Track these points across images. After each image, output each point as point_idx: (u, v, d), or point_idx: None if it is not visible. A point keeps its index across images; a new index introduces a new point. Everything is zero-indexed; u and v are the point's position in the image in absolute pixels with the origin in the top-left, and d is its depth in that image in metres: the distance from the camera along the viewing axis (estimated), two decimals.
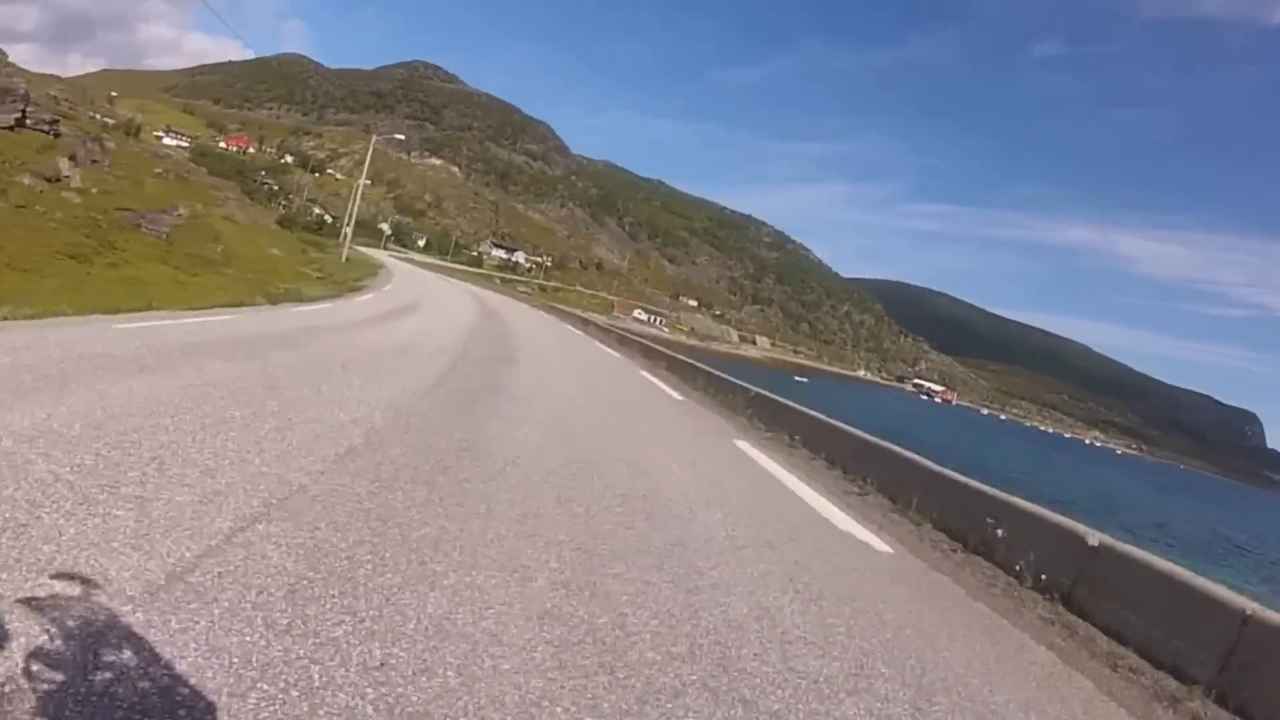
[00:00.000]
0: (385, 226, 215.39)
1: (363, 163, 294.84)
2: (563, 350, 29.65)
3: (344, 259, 63.74)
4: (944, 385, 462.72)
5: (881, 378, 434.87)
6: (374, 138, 76.25)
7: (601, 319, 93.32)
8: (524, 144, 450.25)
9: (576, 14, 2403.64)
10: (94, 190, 34.90)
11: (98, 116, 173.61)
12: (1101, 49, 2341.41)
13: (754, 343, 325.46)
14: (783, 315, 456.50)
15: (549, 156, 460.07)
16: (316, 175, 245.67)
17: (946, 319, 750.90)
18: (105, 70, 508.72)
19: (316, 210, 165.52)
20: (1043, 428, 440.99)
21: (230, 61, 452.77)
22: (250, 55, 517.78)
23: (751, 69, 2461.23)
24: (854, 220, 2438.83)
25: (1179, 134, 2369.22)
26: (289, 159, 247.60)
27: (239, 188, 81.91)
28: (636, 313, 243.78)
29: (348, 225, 78.24)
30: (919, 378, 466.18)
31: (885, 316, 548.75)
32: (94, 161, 46.20)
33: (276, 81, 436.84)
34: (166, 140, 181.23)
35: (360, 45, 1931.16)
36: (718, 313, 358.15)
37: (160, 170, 60.67)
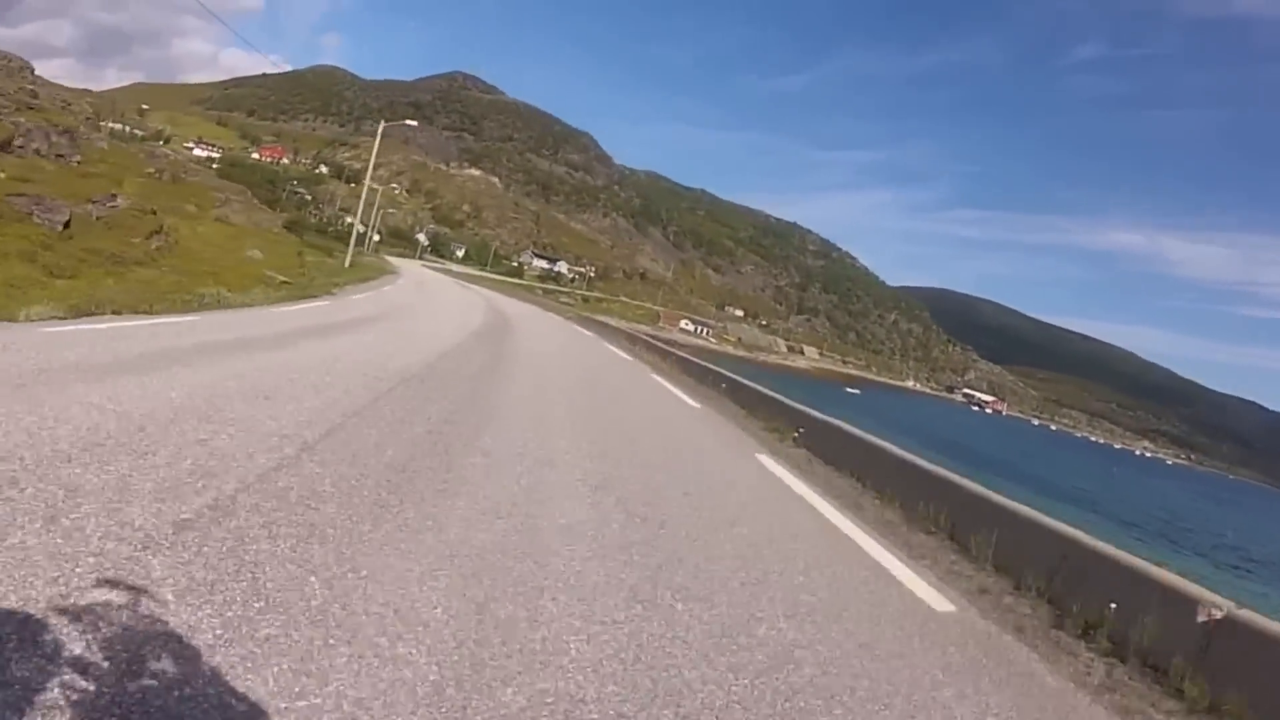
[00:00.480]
0: (422, 237, 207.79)
1: (401, 173, 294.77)
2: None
3: (347, 263, 56.87)
4: (993, 395, 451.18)
5: (930, 388, 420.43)
6: (381, 125, 66.89)
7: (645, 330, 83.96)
8: (565, 154, 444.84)
9: (617, 25, 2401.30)
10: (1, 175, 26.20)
11: (126, 128, 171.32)
12: (1142, 50, 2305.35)
13: (802, 353, 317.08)
14: (829, 325, 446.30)
15: (591, 166, 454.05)
16: (352, 185, 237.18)
17: (992, 326, 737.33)
18: (138, 84, 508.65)
19: (349, 219, 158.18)
20: (1093, 438, 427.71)
21: (264, 75, 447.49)
22: (285, 68, 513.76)
23: (793, 77, 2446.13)
24: (896, 227, 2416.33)
25: (1223, 134, 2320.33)
26: (324, 169, 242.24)
27: (249, 193, 73.92)
28: (683, 323, 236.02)
29: (360, 225, 70.27)
30: (968, 387, 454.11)
31: (933, 325, 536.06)
32: (59, 156, 38.69)
33: (312, 94, 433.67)
34: (197, 151, 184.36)
35: (398, 57, 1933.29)
36: (764, 323, 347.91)
37: (153, 170, 53.43)
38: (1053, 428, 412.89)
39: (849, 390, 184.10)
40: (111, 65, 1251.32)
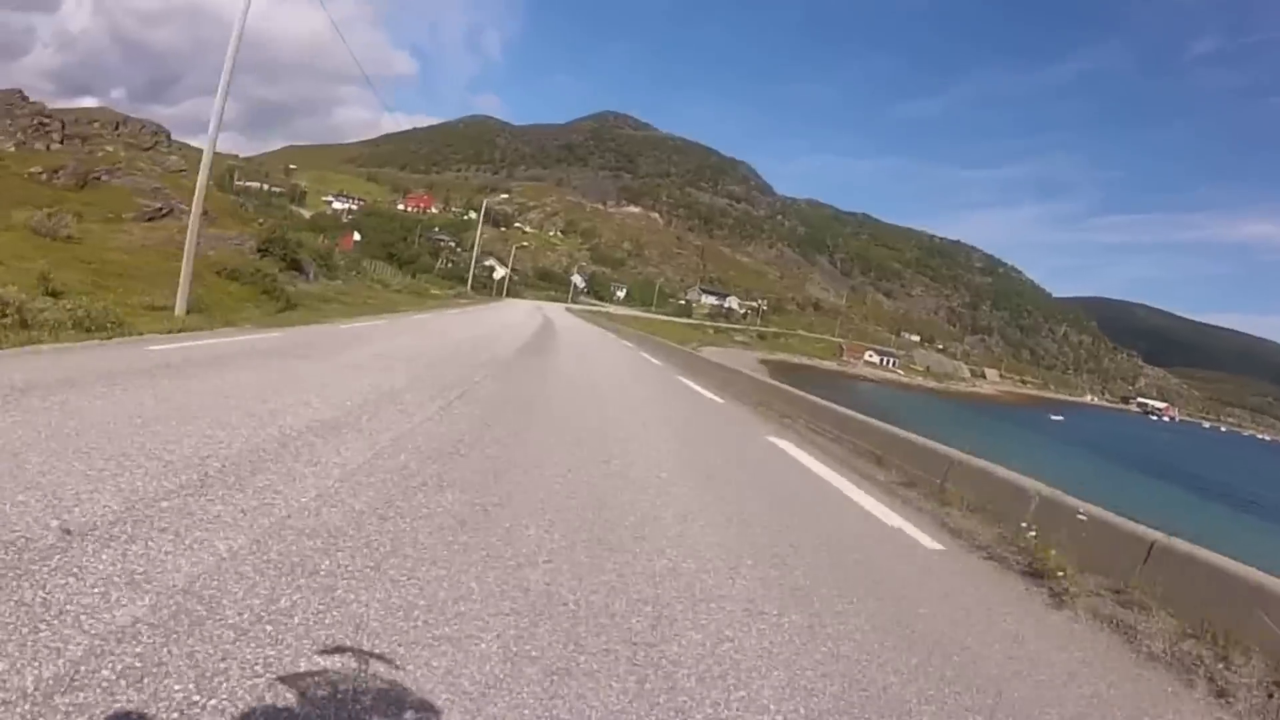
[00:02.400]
0: (578, 278, 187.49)
1: (555, 214, 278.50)
2: None
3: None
4: (1165, 401, 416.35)
5: (1107, 400, 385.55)
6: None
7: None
8: (725, 186, 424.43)
9: (759, 64, 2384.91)
10: None
11: (264, 186, 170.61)
12: (1257, 36, 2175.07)
13: (984, 376, 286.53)
14: (1003, 342, 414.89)
15: (752, 197, 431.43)
16: (503, 230, 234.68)
17: (1147, 330, 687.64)
18: (291, 147, 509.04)
19: (489, 262, 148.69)
20: (1260, 436, 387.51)
21: (414, 129, 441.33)
22: (434, 121, 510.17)
23: (930, 100, 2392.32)
24: (1047, 240, 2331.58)
25: None
26: (472, 214, 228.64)
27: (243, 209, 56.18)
28: (868, 355, 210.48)
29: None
30: (1141, 396, 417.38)
31: (1101, 335, 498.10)
32: None
33: (463, 143, 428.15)
34: (336, 204, 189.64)
35: (548, 102, 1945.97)
36: (940, 346, 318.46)
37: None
38: (1222, 429, 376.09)
39: (1054, 418, 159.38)
40: (275, 137, 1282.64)
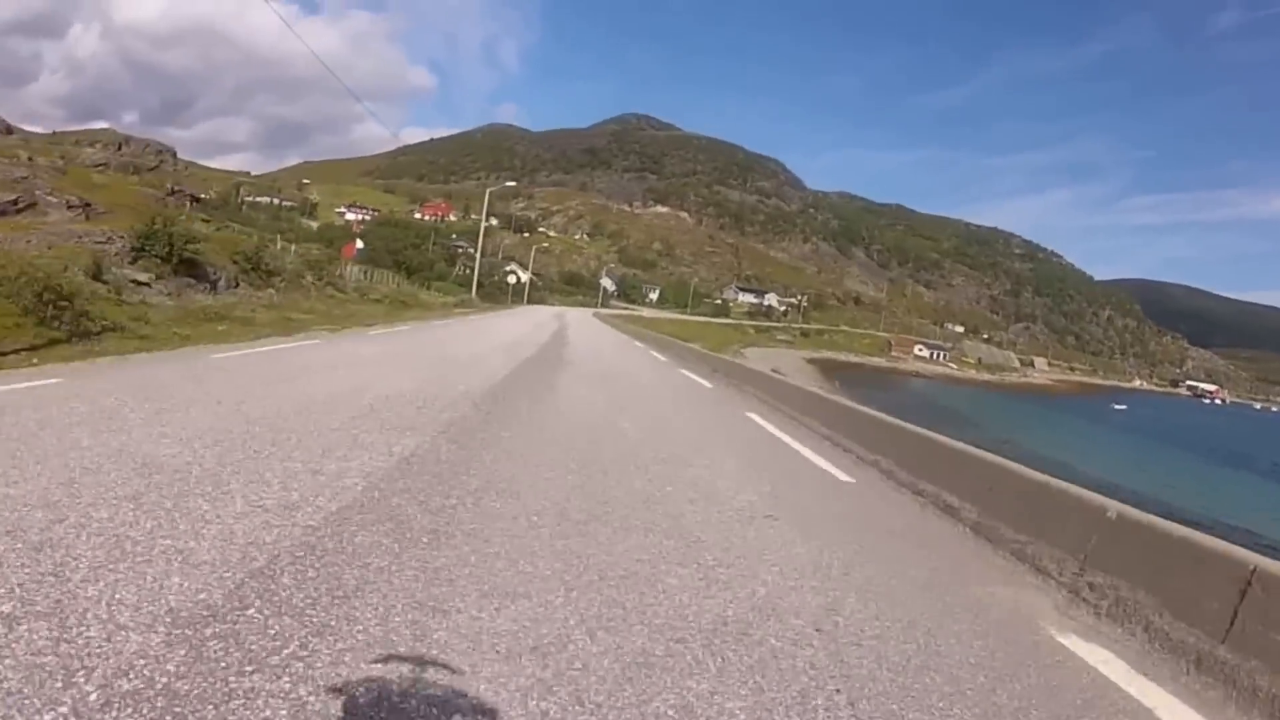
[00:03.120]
0: (607, 281, 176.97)
1: (580, 217, 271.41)
2: None
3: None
4: (1213, 384, 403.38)
5: (1155, 384, 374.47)
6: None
7: None
8: (754, 182, 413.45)
9: (784, 57, 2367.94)
10: None
11: (274, 200, 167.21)
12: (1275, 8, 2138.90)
13: (1032, 365, 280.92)
14: (1047, 329, 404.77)
15: (783, 192, 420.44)
16: (525, 235, 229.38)
17: (1187, 311, 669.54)
18: (306, 163, 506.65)
19: (510, 267, 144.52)
20: None
21: (431, 140, 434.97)
22: (451, 132, 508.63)
23: (955, 89, 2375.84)
24: (1079, 224, 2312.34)
25: None
26: (494, 222, 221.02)
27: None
28: (917, 349, 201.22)
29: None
30: (1189, 379, 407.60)
31: (1144, 318, 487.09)
32: None
33: (482, 152, 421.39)
34: (349, 215, 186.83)
35: (568, 108, 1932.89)
36: (985, 336, 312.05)
37: None
38: (1275, 409, 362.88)
39: (1116, 407, 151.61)
40: (292, 155, 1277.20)
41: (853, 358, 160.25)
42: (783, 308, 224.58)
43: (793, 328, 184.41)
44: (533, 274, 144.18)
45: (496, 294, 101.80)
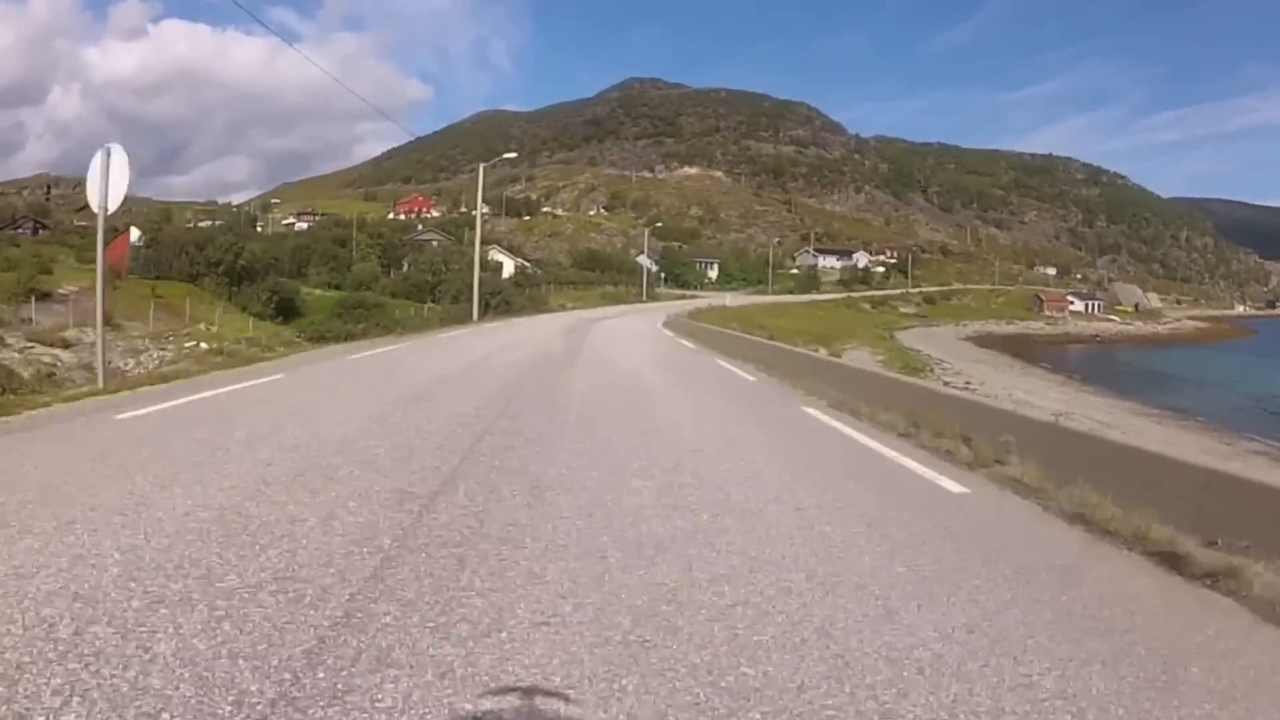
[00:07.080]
0: (646, 260, 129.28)
1: (593, 189, 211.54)
2: None
3: None
4: None
5: (1254, 308, 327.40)
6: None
7: None
8: (787, 130, 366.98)
9: (790, 14, 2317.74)
10: None
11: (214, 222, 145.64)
12: None
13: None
14: (1132, 260, 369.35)
15: (821, 139, 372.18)
16: (527, 218, 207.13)
17: (1229, 226, 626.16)
18: (284, 185, 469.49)
19: (494, 255, 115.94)
20: None
21: (416, 139, 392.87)
22: (440, 125, 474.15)
23: (960, 27, 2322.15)
24: (1099, 149, 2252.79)
25: None
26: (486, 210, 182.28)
27: None
28: (1072, 304, 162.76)
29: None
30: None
31: (1218, 236, 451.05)
32: None
33: (474, 143, 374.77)
34: (299, 225, 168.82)
35: (564, 83, 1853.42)
36: (1079, 275, 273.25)
37: None
38: None
39: None
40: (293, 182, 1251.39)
41: (1007, 327, 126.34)
42: (880, 269, 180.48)
43: (910, 294, 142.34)
44: (530, 261, 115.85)
45: (463, 299, 56.71)
